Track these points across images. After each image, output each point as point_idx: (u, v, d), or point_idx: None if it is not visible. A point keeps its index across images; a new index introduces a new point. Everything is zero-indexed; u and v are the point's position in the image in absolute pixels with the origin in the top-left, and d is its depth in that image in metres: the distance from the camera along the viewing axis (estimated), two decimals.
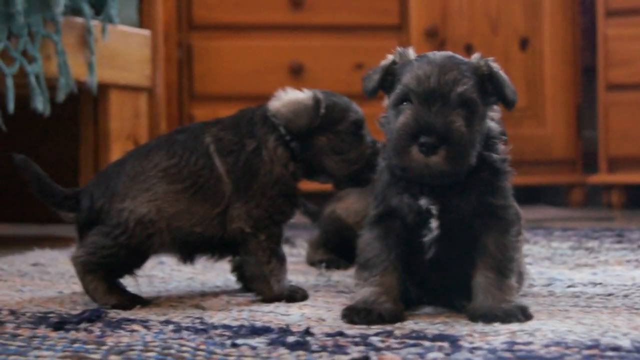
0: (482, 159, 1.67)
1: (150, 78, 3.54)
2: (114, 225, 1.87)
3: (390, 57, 1.73)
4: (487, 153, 1.68)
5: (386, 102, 1.74)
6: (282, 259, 1.94)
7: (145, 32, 3.55)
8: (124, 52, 3.39)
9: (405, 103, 1.62)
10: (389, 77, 1.71)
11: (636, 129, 4.21)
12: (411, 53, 1.71)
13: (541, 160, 4.48)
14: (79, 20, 3.13)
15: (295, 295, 1.91)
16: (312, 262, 2.50)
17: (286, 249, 2.77)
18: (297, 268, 2.43)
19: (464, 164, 1.61)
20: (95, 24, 3.18)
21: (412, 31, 4.47)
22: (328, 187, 2.09)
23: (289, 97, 1.95)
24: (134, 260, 1.91)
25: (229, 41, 4.62)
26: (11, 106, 2.79)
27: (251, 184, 1.91)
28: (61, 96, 3.01)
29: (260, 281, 1.92)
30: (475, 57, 1.69)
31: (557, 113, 4.52)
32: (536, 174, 4.48)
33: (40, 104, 2.91)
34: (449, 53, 1.68)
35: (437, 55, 1.66)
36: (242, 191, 1.91)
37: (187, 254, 1.97)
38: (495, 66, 1.68)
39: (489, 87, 1.67)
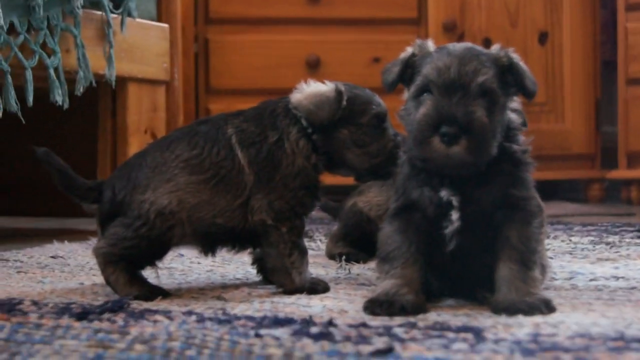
0: (503, 150, 1.66)
1: (168, 72, 3.55)
2: (135, 217, 1.87)
3: (409, 50, 1.72)
4: (508, 144, 1.68)
5: (406, 95, 1.74)
6: (303, 251, 1.94)
7: (164, 26, 3.55)
8: (142, 45, 3.40)
9: (425, 94, 1.62)
10: (409, 69, 1.70)
11: None
12: (430, 45, 1.71)
13: (560, 155, 4.46)
14: (98, 13, 3.14)
15: (317, 287, 1.90)
16: (331, 255, 2.50)
17: (305, 241, 2.78)
18: (316, 261, 2.43)
19: (485, 154, 1.61)
20: (114, 17, 3.19)
21: (430, 25, 4.46)
22: (350, 180, 2.08)
23: (311, 90, 1.95)
24: (155, 252, 1.92)
25: (246, 35, 4.62)
26: (30, 99, 2.80)
27: (273, 175, 1.91)
28: (80, 89, 3.02)
29: (282, 273, 1.92)
30: (495, 48, 1.69)
31: (576, 108, 4.50)
32: (555, 169, 4.46)
33: (59, 96, 2.92)
34: (469, 44, 1.68)
35: (457, 46, 1.66)
36: (263, 183, 1.91)
37: (209, 246, 1.97)
38: (516, 57, 1.68)
39: (509, 78, 1.67)
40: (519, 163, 1.69)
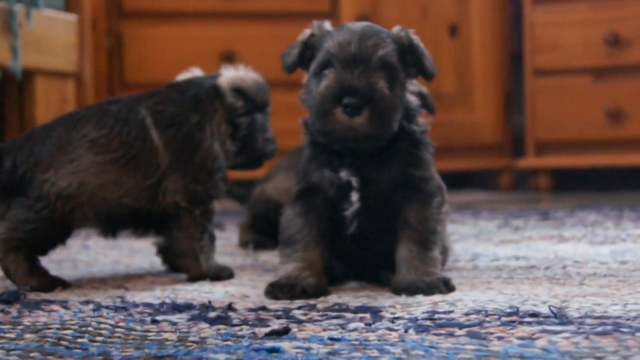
0: (402, 130, 1.68)
1: (76, 64, 3.47)
2: (36, 198, 1.82)
3: (307, 31, 1.72)
4: (407, 124, 1.69)
5: (305, 78, 1.74)
6: (212, 237, 1.93)
7: (72, 17, 3.48)
8: (49, 37, 3.32)
9: (327, 70, 1.62)
10: (308, 50, 1.70)
11: (562, 114, 4.29)
12: (328, 25, 1.71)
13: (470, 145, 4.54)
14: (1, 4, 3.05)
15: (221, 274, 1.89)
16: (242, 244, 2.49)
17: (216, 232, 2.76)
18: (225, 250, 2.41)
19: (387, 126, 1.62)
20: (19, 8, 3.11)
21: (343, 18, 4.48)
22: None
23: (245, 73, 1.99)
24: (57, 235, 1.87)
25: (160, 29, 4.56)
26: None
27: (191, 157, 1.90)
28: None
29: (189, 257, 1.90)
30: (395, 28, 1.70)
31: (486, 99, 4.58)
32: (466, 159, 4.53)
33: None
34: (368, 23, 1.69)
35: (357, 24, 1.67)
36: (180, 164, 1.89)
37: (111, 228, 1.93)
38: (415, 38, 1.70)
39: (409, 58, 1.68)
40: (418, 143, 1.71)
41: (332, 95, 1.59)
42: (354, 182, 1.66)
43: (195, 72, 2.06)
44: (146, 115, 1.91)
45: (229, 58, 4.50)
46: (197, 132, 1.92)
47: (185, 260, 1.91)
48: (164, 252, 2.03)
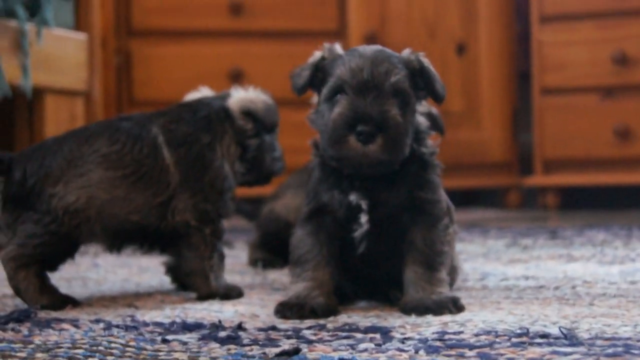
0: (412, 153, 1.68)
1: (86, 82, 3.50)
2: (44, 212, 1.83)
3: (318, 54, 1.73)
4: (416, 146, 1.70)
5: (315, 99, 1.75)
6: (222, 256, 1.94)
7: (82, 36, 3.50)
8: (59, 55, 3.35)
9: (339, 95, 1.63)
10: (319, 73, 1.70)
11: (570, 132, 4.29)
12: (339, 48, 1.72)
13: (478, 163, 4.55)
14: (12, 23, 3.07)
15: (231, 293, 1.90)
16: (251, 262, 2.49)
17: (225, 250, 2.77)
18: (234, 269, 2.42)
19: (400, 152, 1.63)
20: (29, 27, 3.13)
21: (351, 37, 4.50)
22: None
23: (255, 95, 2.01)
24: (65, 249, 1.88)
25: (169, 47, 4.59)
26: None
27: (201, 176, 1.91)
28: None
29: (199, 276, 1.91)
30: (405, 52, 1.71)
31: (493, 117, 4.59)
32: (473, 177, 4.53)
33: None
34: (379, 47, 1.69)
35: (368, 48, 1.67)
36: (190, 183, 1.90)
37: (117, 244, 1.93)
38: (426, 61, 1.70)
39: (419, 81, 1.69)
40: (426, 165, 1.72)
41: (345, 123, 1.59)
42: (364, 204, 1.67)
43: (204, 91, 2.08)
44: (158, 133, 1.92)
45: (237, 76, 4.52)
46: (208, 152, 1.94)
47: (194, 279, 1.92)
48: (172, 270, 2.04)
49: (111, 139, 1.90)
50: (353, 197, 1.67)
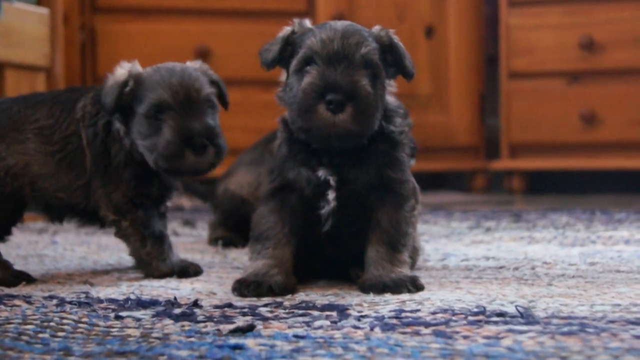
0: (381, 131, 1.67)
1: (48, 58, 3.43)
2: None
3: (288, 28, 1.71)
4: (386, 124, 1.69)
5: (283, 77, 1.73)
6: (158, 238, 1.86)
7: (44, 11, 3.43)
8: (20, 30, 3.28)
9: (308, 66, 1.61)
10: (289, 47, 1.68)
11: (537, 117, 4.31)
12: (309, 23, 1.70)
13: (445, 146, 4.55)
14: None
15: (188, 270, 1.86)
16: (211, 241, 2.47)
17: (186, 230, 2.74)
18: (194, 247, 2.39)
19: (369, 123, 1.61)
20: None
21: (319, 17, 4.46)
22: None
23: (112, 75, 1.84)
24: (11, 210, 1.86)
25: (135, 25, 4.52)
26: None
27: (107, 163, 1.84)
28: None
29: (144, 265, 1.87)
30: (376, 28, 1.70)
31: (461, 100, 4.59)
32: (440, 160, 4.53)
33: None
34: (349, 22, 1.68)
35: (338, 23, 1.66)
36: (100, 171, 1.84)
37: (53, 216, 1.93)
38: (396, 37, 1.69)
39: (389, 57, 1.68)
40: (395, 144, 1.70)
41: (315, 92, 1.58)
42: (332, 180, 1.65)
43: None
44: (80, 109, 1.86)
45: (204, 54, 4.48)
46: (106, 135, 1.83)
47: (141, 266, 1.88)
48: None
49: (50, 110, 1.87)
50: (321, 173, 1.66)
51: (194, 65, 1.85)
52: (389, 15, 4.50)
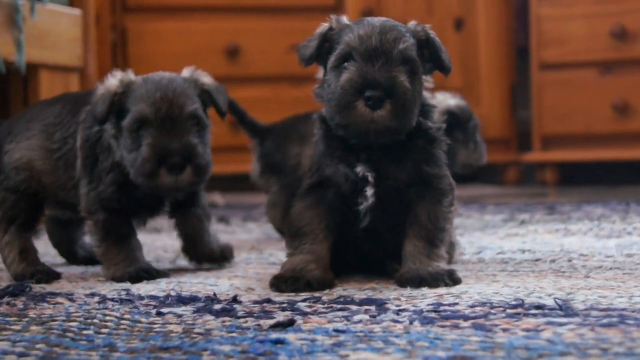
0: (419, 127, 1.67)
1: (81, 58, 3.47)
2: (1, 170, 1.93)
3: (326, 25, 1.71)
4: (423, 120, 1.69)
5: (320, 74, 1.73)
6: (116, 243, 1.83)
7: (76, 12, 3.47)
8: (54, 31, 3.32)
9: (347, 63, 1.61)
10: (326, 44, 1.69)
11: (569, 108, 4.28)
12: (346, 19, 1.71)
13: None
14: None
15: (142, 275, 1.80)
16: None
17: (221, 227, 2.76)
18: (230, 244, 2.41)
19: (408, 119, 1.61)
20: (23, 2, 3.11)
21: (348, 12, 4.47)
22: None
23: (105, 83, 1.81)
24: (26, 203, 1.91)
25: (165, 23, 4.56)
26: None
27: (94, 166, 1.84)
28: None
29: (102, 264, 1.86)
30: (412, 23, 1.70)
31: (492, 93, 4.57)
32: None
33: None
34: (386, 18, 1.68)
35: (375, 19, 1.66)
36: (87, 171, 1.84)
37: (62, 213, 1.99)
38: (432, 33, 1.69)
39: (426, 52, 1.68)
40: (433, 140, 1.70)
41: (354, 88, 1.58)
42: (370, 177, 1.66)
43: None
44: (83, 112, 1.88)
45: (234, 52, 4.51)
46: (97, 140, 1.84)
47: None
48: (186, 252, 1.98)
49: (60, 110, 1.91)
50: (359, 170, 1.66)
51: (186, 74, 1.81)
52: (418, 8, 4.49)
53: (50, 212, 2.05)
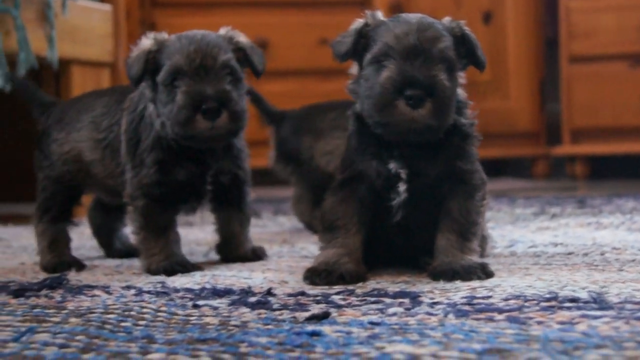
0: (453, 123, 1.67)
1: (112, 53, 3.51)
2: (45, 155, 2.00)
3: (361, 20, 1.70)
4: (457, 117, 1.69)
5: (354, 69, 1.73)
6: (154, 233, 1.83)
7: (107, 7, 3.51)
8: (84, 27, 3.35)
9: (385, 61, 1.61)
10: (362, 40, 1.68)
11: (598, 101, 4.25)
12: (382, 15, 1.70)
13: (505, 133, 4.52)
14: None
15: (176, 268, 1.81)
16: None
17: (252, 220, 2.77)
18: (261, 237, 2.43)
19: (447, 117, 1.62)
20: None
21: (376, 6, 4.47)
22: None
23: (138, 45, 1.84)
24: (66, 191, 2.00)
25: (193, 18, 4.58)
26: None
27: (136, 148, 1.85)
28: (22, 71, 2.97)
29: (139, 253, 1.87)
30: (446, 19, 1.69)
31: (520, 86, 4.55)
32: (501, 147, 4.51)
33: (0, 79, 2.87)
34: (421, 14, 1.67)
35: (411, 15, 1.66)
36: (130, 155, 1.87)
37: (112, 200, 2.04)
38: (467, 29, 1.69)
39: (461, 49, 1.67)
40: (466, 136, 1.70)
41: (394, 87, 1.57)
42: (403, 173, 1.66)
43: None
44: (127, 101, 1.91)
45: (262, 46, 4.52)
46: (139, 120, 1.85)
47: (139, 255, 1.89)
48: (219, 249, 2.01)
49: (107, 101, 1.95)
50: (392, 166, 1.67)
51: (222, 32, 1.85)
52: (446, 1, 4.48)
53: (96, 198, 2.11)
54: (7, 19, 2.92)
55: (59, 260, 1.93)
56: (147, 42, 1.81)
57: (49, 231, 1.98)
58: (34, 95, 2.06)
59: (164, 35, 1.83)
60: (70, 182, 1.98)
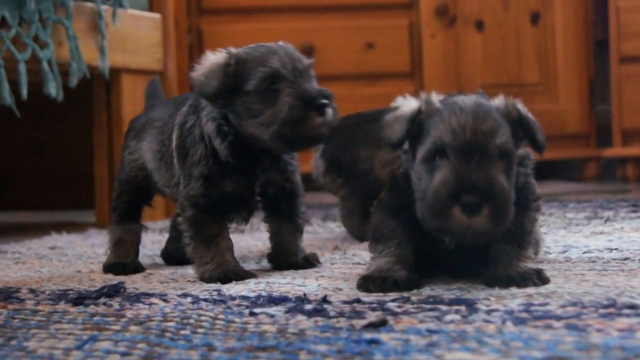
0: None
1: (161, 62, 3.55)
2: (121, 160, 2.14)
3: (413, 104, 1.63)
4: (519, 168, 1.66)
5: (406, 147, 1.67)
6: (204, 242, 1.86)
7: (156, 16, 3.55)
8: (134, 36, 3.40)
9: (438, 158, 1.54)
10: (414, 127, 1.61)
11: None
12: (436, 99, 1.62)
13: (555, 135, 4.47)
14: (89, 5, 3.14)
15: (230, 276, 1.82)
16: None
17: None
18: (312, 244, 2.44)
19: (506, 221, 1.52)
20: (105, 8, 3.19)
21: (422, 9, 4.46)
22: None
23: (204, 61, 1.84)
24: (135, 192, 2.11)
25: (239, 24, 4.63)
26: (24, 92, 2.81)
27: (184, 162, 1.89)
28: (73, 81, 3.03)
29: (193, 263, 1.90)
30: (500, 101, 1.62)
31: (569, 87, 4.50)
32: (550, 149, 4.43)
33: (53, 89, 2.93)
34: (476, 97, 1.60)
35: (466, 102, 1.57)
36: (181, 169, 1.92)
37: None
38: (523, 108, 1.63)
39: (519, 131, 1.61)
40: (524, 157, 1.70)
41: (449, 193, 1.49)
42: None
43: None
44: (180, 113, 1.95)
45: (308, 51, 4.54)
46: (188, 135, 1.88)
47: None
48: (270, 258, 2.03)
49: (166, 113, 2.02)
50: None
51: (285, 44, 1.88)
52: (493, 2, 4.45)
53: None
54: (60, 30, 2.97)
55: (115, 262, 2.04)
56: (219, 55, 1.82)
57: (116, 231, 2.10)
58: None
59: (233, 49, 1.84)
60: (139, 184, 2.09)
